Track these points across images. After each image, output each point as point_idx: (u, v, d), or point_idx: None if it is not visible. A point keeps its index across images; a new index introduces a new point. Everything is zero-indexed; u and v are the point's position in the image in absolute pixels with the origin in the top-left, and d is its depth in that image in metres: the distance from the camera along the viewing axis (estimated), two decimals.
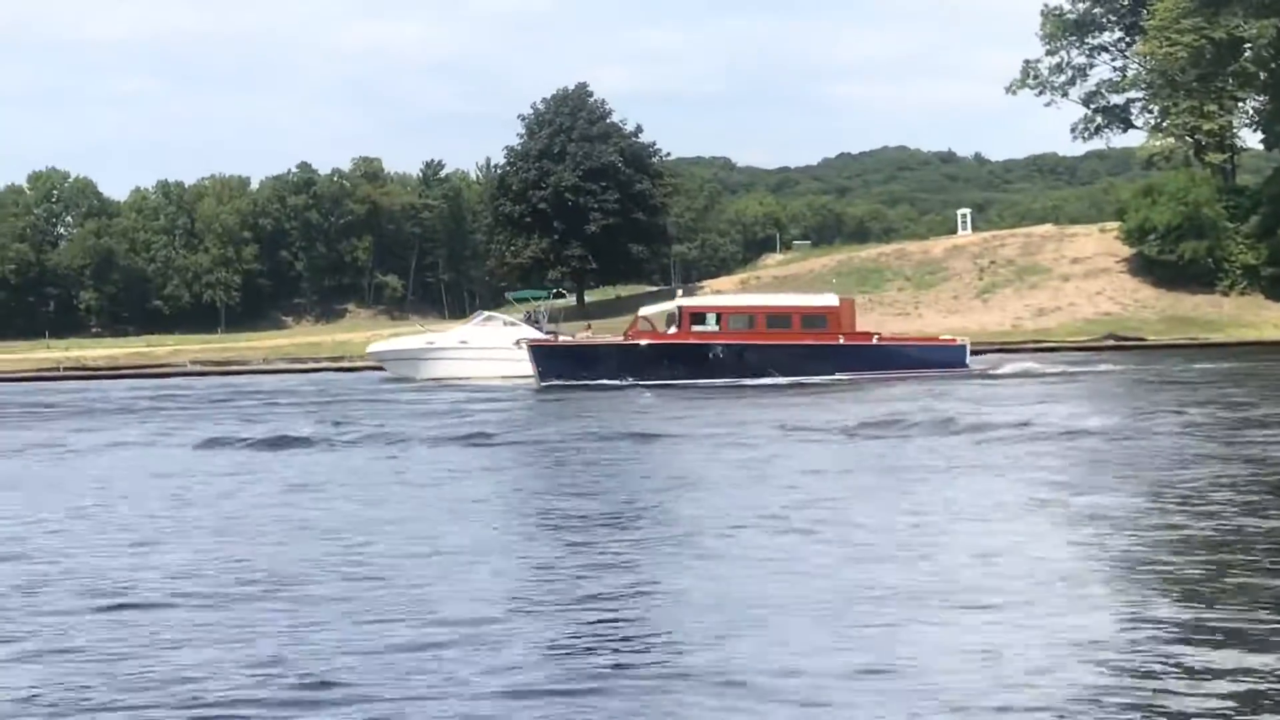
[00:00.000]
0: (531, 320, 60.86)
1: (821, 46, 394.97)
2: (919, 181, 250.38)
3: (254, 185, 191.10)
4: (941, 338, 55.83)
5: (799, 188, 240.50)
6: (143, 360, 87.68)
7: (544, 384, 50.54)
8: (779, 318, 51.56)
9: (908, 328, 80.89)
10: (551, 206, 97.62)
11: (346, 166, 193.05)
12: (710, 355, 50.06)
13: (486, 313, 69.16)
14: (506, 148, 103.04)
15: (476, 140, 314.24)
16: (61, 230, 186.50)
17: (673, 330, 52.19)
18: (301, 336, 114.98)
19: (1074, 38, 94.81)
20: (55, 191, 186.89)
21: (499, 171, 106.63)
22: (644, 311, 55.81)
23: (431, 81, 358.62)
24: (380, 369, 64.46)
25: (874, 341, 51.86)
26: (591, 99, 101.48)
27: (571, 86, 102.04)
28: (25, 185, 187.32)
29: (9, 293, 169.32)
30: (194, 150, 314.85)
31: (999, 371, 49.59)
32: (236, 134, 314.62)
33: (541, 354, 52.26)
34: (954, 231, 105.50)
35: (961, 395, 38.52)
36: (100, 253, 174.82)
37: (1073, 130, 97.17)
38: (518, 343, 56.01)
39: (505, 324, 61.64)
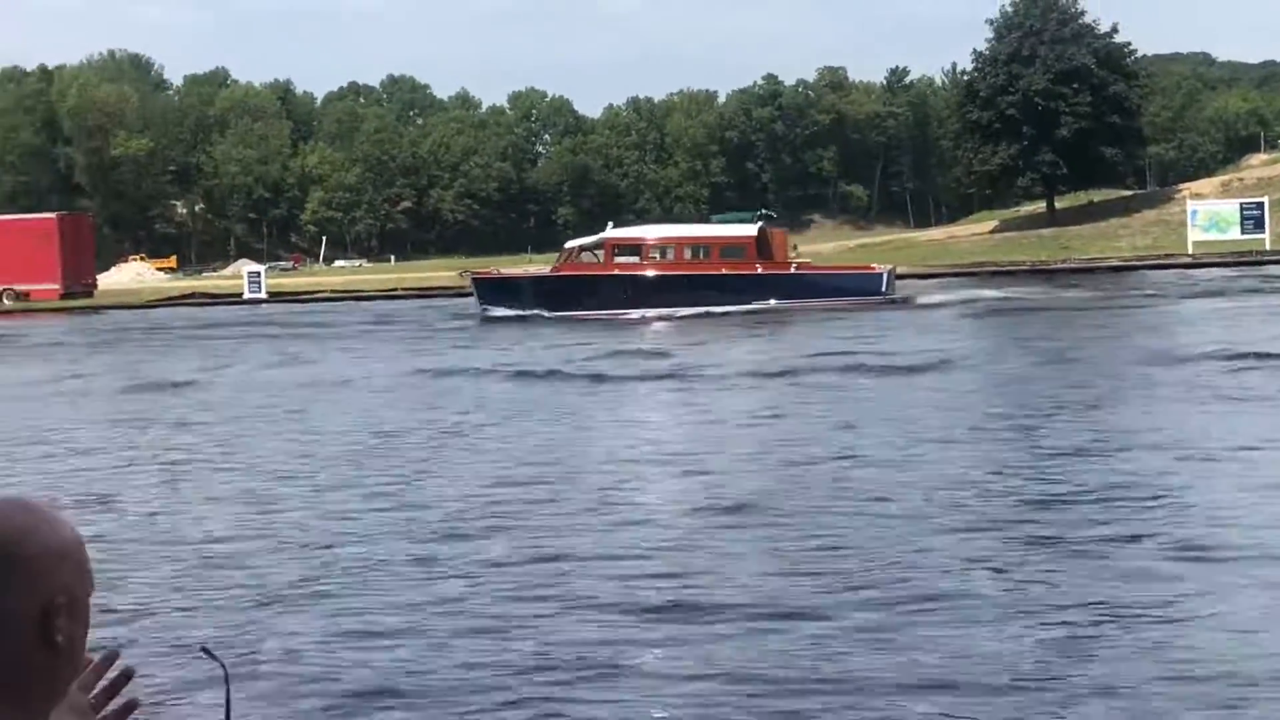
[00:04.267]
0: None
1: None
2: None
3: (720, 99, 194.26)
4: (864, 266, 55.93)
5: None
6: None
7: (483, 313, 51.66)
8: (700, 248, 52.03)
9: None
10: (1021, 112, 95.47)
11: (811, 77, 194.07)
12: (625, 288, 50.26)
13: None
14: (974, 52, 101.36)
15: (942, 46, 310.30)
16: (540, 148, 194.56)
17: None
18: None
19: None
20: (534, 111, 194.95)
21: (966, 77, 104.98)
22: (571, 244, 55.67)
23: None
24: None
25: (791, 271, 52.19)
26: None
27: None
28: (506, 105, 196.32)
29: (493, 209, 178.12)
30: (663, 66, 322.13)
31: (920, 301, 48.82)
32: (704, 49, 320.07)
33: (480, 285, 53.98)
34: None
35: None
36: (576, 169, 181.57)
37: None
38: (461, 274, 57.22)
39: None
